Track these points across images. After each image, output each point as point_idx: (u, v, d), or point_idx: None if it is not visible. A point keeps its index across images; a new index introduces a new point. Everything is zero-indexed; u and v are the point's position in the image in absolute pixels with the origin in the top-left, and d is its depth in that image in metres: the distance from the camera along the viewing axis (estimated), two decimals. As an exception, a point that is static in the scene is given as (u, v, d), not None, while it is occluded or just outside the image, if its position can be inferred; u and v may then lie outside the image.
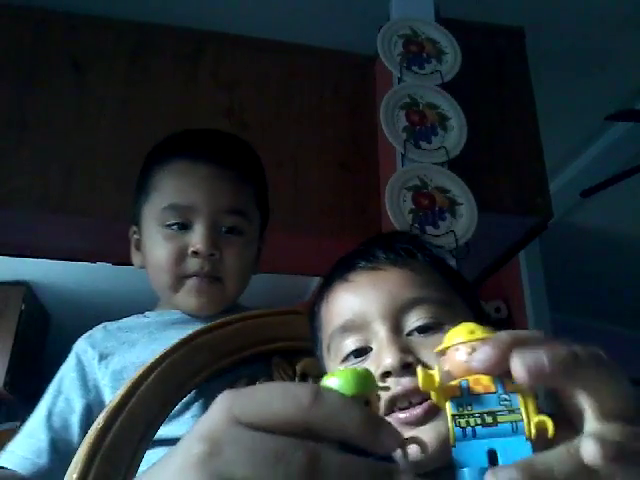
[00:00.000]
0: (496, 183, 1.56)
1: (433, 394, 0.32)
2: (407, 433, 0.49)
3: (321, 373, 0.76)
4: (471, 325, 0.34)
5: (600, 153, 2.38)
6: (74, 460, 0.59)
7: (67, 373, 0.82)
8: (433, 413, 0.50)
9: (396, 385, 0.51)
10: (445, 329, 0.54)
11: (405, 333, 0.55)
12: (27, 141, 1.49)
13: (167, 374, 0.67)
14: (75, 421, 0.78)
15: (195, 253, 0.82)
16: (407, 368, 0.51)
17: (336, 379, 0.33)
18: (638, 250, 3.03)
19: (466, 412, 0.31)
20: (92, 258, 1.86)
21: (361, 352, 0.56)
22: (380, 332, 0.55)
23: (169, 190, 0.84)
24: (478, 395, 0.31)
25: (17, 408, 3.07)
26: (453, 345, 0.33)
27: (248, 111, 1.64)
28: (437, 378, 0.32)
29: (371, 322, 0.56)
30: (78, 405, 0.79)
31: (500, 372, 0.31)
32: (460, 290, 0.60)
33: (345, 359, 0.57)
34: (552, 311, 2.58)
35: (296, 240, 1.61)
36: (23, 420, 0.82)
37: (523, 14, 1.78)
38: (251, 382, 0.74)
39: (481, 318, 0.61)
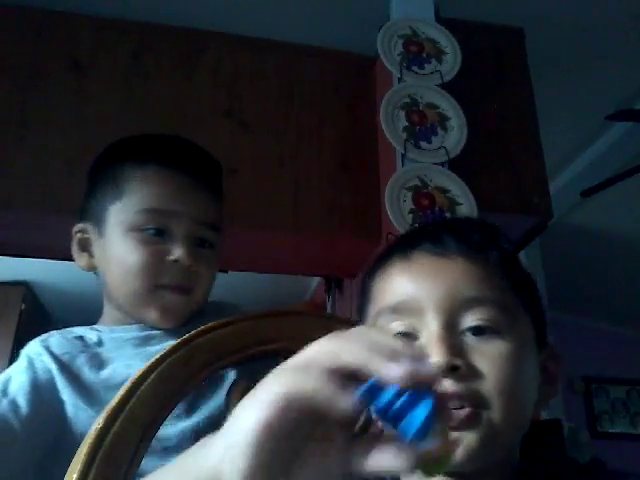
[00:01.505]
0: (496, 183, 1.56)
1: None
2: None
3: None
4: None
5: (600, 153, 2.38)
6: (74, 460, 0.59)
7: (16, 375, 0.74)
8: (474, 421, 0.48)
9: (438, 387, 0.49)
10: (501, 337, 0.52)
11: (458, 331, 0.52)
12: (27, 141, 1.49)
13: (167, 374, 0.67)
14: (17, 427, 0.69)
15: (175, 262, 0.78)
16: (453, 371, 0.49)
17: None
18: (638, 250, 3.03)
19: None
20: (92, 258, 1.86)
21: (406, 337, 0.53)
22: (432, 325, 0.52)
23: (147, 193, 0.80)
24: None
25: (17, 408, 3.07)
26: None
27: (248, 111, 1.64)
28: None
29: (425, 311, 0.52)
30: (25, 413, 0.70)
31: None
32: (526, 297, 0.56)
33: None
34: (552, 311, 2.58)
35: (296, 240, 1.61)
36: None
37: (523, 14, 1.78)
38: (251, 382, 0.74)
39: (541, 330, 0.58)
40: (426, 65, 1.54)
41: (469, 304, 0.52)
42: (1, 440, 0.68)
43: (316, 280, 2.71)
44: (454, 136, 1.46)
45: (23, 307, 2.94)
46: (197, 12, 1.75)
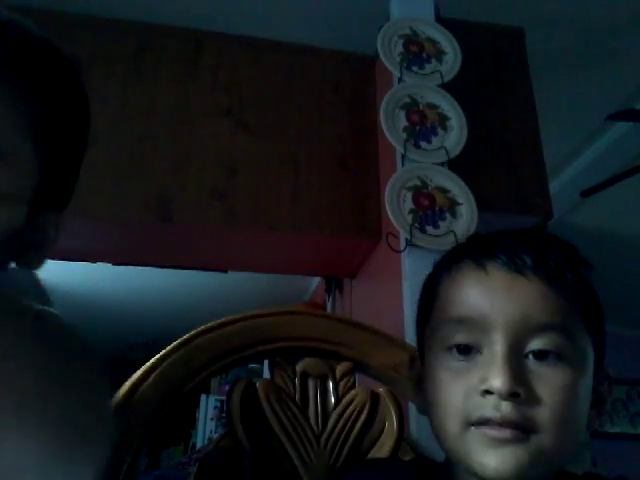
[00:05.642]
0: (496, 183, 1.56)
1: None
2: (490, 450, 0.49)
3: (321, 373, 0.76)
4: None
5: (600, 153, 2.37)
6: (74, 460, 0.58)
7: None
8: (520, 441, 0.49)
9: (495, 409, 0.50)
10: (563, 364, 0.52)
11: (522, 353, 0.52)
12: (27, 141, 1.49)
13: (167, 374, 0.67)
14: None
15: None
16: (513, 397, 0.49)
17: None
18: (638, 250, 3.02)
19: None
20: (92, 258, 1.86)
21: (468, 350, 0.53)
22: (498, 345, 0.52)
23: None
24: None
25: (17, 408, 3.07)
26: None
27: (248, 111, 1.64)
28: None
29: (493, 329, 0.52)
30: None
31: None
32: (591, 322, 0.55)
33: (449, 349, 0.55)
34: (552, 311, 2.58)
35: (296, 240, 1.61)
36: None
37: (523, 14, 1.78)
38: (250, 382, 0.74)
39: (600, 354, 0.57)
40: (426, 65, 1.54)
41: (539, 329, 0.52)
42: None
43: (316, 280, 2.71)
44: (454, 136, 1.46)
45: (23, 307, 2.94)
46: (197, 12, 1.75)
